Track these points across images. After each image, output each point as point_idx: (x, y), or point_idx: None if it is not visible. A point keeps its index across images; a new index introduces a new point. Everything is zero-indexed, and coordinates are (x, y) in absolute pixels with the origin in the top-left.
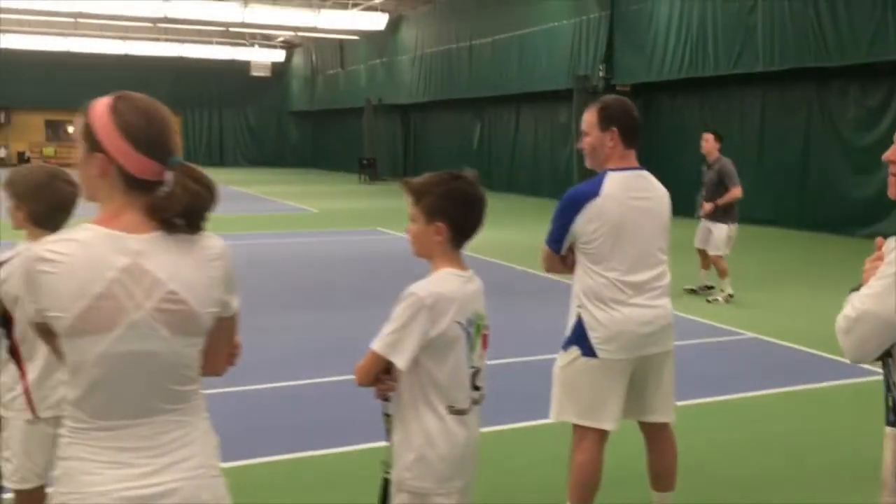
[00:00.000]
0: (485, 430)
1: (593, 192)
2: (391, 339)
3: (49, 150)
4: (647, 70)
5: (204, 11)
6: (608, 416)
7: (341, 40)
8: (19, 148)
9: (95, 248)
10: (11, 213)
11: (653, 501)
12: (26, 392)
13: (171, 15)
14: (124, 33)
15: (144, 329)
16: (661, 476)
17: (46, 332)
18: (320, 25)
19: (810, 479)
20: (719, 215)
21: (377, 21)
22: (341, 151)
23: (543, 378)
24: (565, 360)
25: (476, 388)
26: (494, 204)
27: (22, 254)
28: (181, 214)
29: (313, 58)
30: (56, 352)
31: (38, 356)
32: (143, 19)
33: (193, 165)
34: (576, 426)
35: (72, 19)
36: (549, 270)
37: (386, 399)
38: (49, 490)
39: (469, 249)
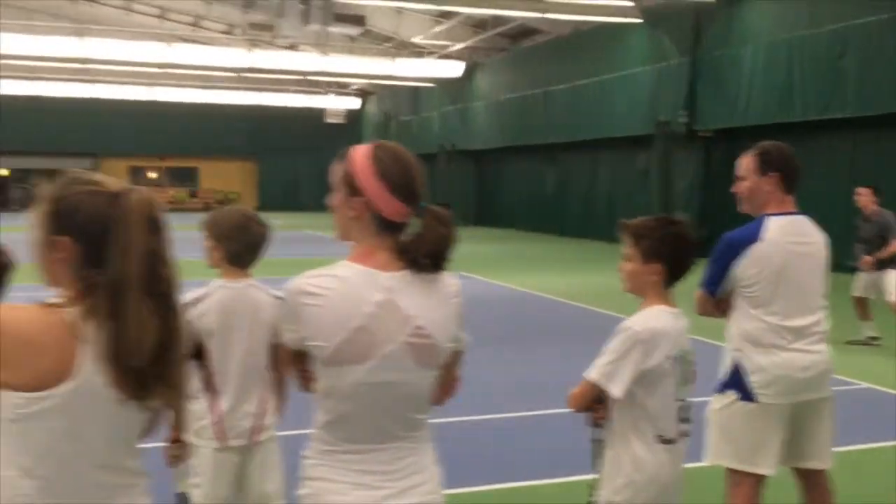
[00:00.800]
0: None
1: (754, 237)
2: (607, 370)
3: None
4: (730, 115)
5: (286, 61)
6: (766, 461)
7: (416, 87)
8: None
9: (354, 284)
10: (209, 252)
11: None
12: (219, 421)
13: (255, 65)
14: (205, 83)
15: (395, 361)
16: None
17: (298, 358)
18: (396, 74)
19: None
20: (886, 263)
21: (453, 69)
22: None
23: None
24: (721, 403)
25: (683, 420)
26: (568, 249)
27: (287, 285)
28: (427, 254)
29: (387, 104)
30: (304, 377)
31: (229, 388)
32: (229, 69)
33: (439, 209)
34: (732, 471)
35: (159, 70)
36: (702, 314)
37: (597, 426)
38: None
39: (556, 294)
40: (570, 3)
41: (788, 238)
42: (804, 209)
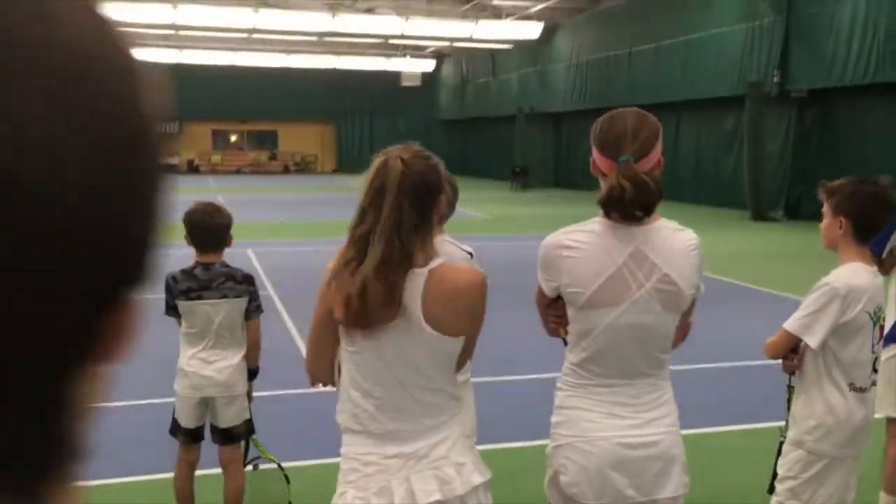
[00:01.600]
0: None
1: None
2: (805, 322)
3: (216, 158)
4: (826, 75)
5: (367, 24)
6: None
7: (493, 49)
8: (189, 156)
9: (607, 237)
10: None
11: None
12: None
13: (336, 29)
14: (287, 47)
15: (643, 305)
16: None
17: (552, 304)
18: (476, 36)
19: None
20: None
21: (531, 30)
22: (491, 159)
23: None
24: (888, 354)
25: (875, 370)
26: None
27: (544, 241)
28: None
29: (463, 67)
30: (556, 321)
31: None
32: (311, 33)
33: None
34: (891, 420)
35: (245, 35)
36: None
37: (791, 373)
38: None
39: None
40: None
41: None
42: None
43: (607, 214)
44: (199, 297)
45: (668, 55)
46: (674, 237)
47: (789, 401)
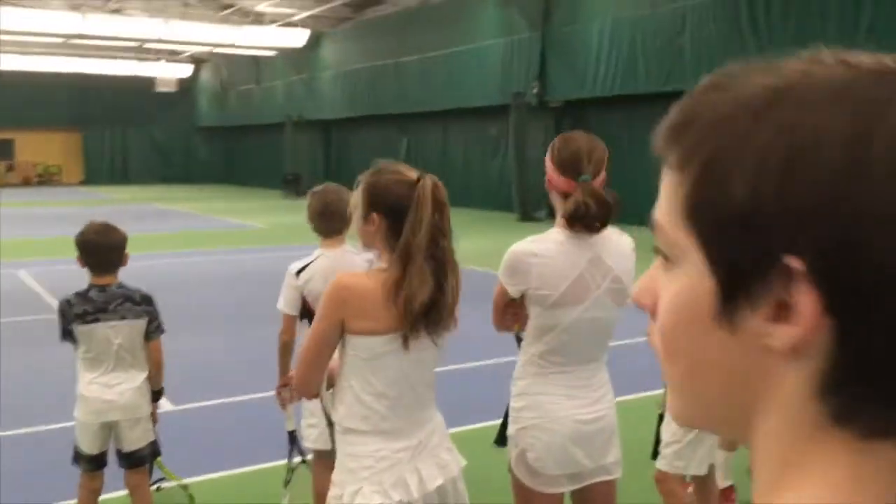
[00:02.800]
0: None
1: None
2: None
3: None
4: (579, 87)
5: (121, 27)
6: None
7: (256, 56)
8: None
9: (570, 246)
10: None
11: None
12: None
13: (87, 31)
14: (22, 49)
15: (600, 302)
16: None
17: (511, 303)
18: (240, 42)
19: None
20: None
21: (298, 38)
22: (258, 168)
23: None
24: None
25: None
26: None
27: (510, 249)
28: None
29: (224, 73)
30: (514, 318)
31: None
32: (58, 35)
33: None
34: None
35: None
36: None
37: None
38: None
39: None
40: None
41: None
42: (646, 174)
43: (571, 227)
44: (97, 320)
45: (433, 66)
46: (619, 241)
47: None
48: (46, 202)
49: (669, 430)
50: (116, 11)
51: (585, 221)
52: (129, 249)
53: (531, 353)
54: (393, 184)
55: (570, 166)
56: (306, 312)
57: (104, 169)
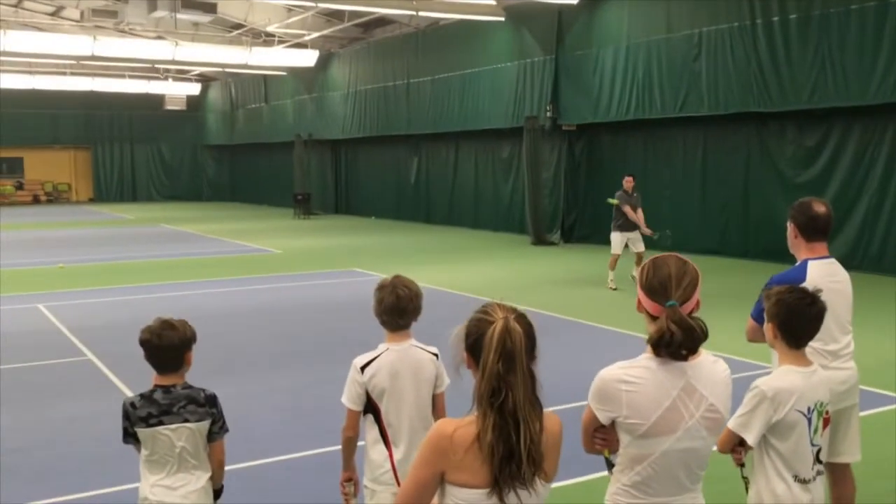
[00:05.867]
0: None
1: (799, 279)
2: (742, 421)
3: None
4: (593, 112)
5: (133, 49)
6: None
7: (265, 75)
8: None
9: (661, 373)
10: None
11: None
12: (393, 469)
13: (98, 53)
14: (29, 67)
15: (694, 432)
16: None
17: (600, 429)
18: (251, 62)
19: None
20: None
21: (307, 58)
22: (266, 186)
23: None
24: None
25: (819, 461)
26: (435, 237)
27: (600, 374)
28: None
29: (232, 92)
30: (602, 443)
31: (402, 441)
32: (70, 57)
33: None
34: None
35: None
36: (751, 340)
37: (741, 465)
38: None
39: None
40: (435, 1)
41: (826, 278)
42: (662, 198)
43: (657, 353)
44: (160, 423)
45: (445, 87)
46: (713, 369)
47: (746, 490)
48: (63, 223)
49: None
50: (127, 33)
51: (670, 349)
52: (144, 278)
53: (622, 483)
54: (475, 324)
55: (659, 291)
56: (370, 407)
57: (113, 187)
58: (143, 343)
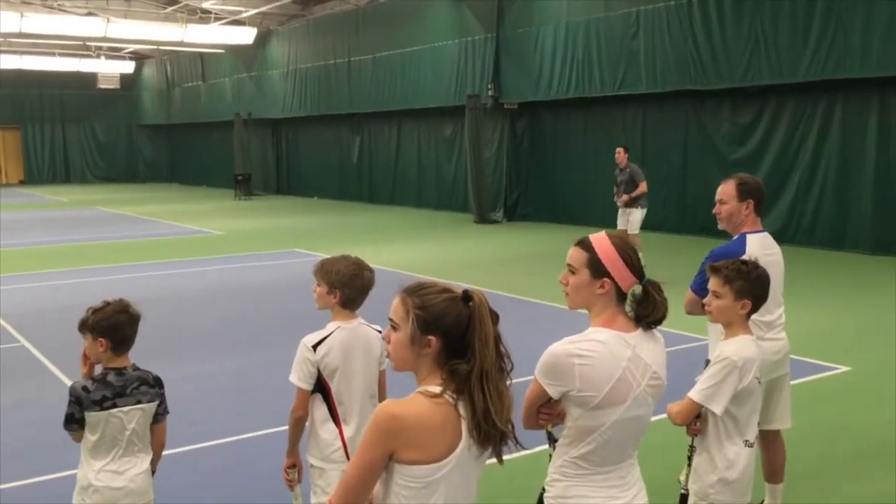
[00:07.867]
0: None
1: (740, 252)
2: (709, 392)
3: None
4: (534, 90)
5: (62, 26)
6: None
7: (202, 53)
8: None
9: (611, 345)
10: (322, 296)
11: (766, 494)
12: (344, 446)
13: (27, 30)
14: None
15: (640, 400)
16: (777, 472)
17: (545, 403)
18: (187, 40)
19: None
20: (634, 202)
21: (245, 35)
22: (205, 166)
23: None
24: None
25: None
26: (378, 216)
27: (550, 350)
28: (656, 320)
29: (168, 70)
30: (545, 417)
31: (352, 419)
32: None
33: (657, 281)
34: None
35: None
36: (690, 312)
37: (694, 435)
38: None
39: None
40: None
41: (763, 251)
42: (602, 176)
43: (638, 323)
44: (114, 406)
45: (386, 66)
46: (652, 337)
47: (689, 458)
48: None
49: None
50: (56, 9)
51: (654, 321)
52: (82, 261)
53: (569, 456)
54: (447, 304)
55: (637, 267)
56: (319, 386)
57: (45, 168)
58: (110, 324)
